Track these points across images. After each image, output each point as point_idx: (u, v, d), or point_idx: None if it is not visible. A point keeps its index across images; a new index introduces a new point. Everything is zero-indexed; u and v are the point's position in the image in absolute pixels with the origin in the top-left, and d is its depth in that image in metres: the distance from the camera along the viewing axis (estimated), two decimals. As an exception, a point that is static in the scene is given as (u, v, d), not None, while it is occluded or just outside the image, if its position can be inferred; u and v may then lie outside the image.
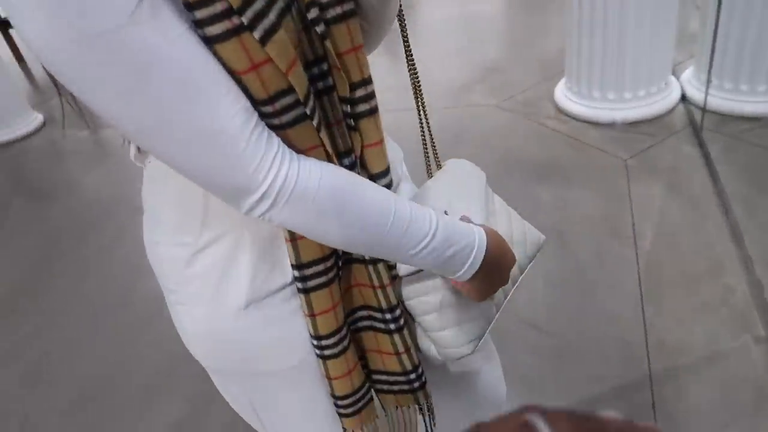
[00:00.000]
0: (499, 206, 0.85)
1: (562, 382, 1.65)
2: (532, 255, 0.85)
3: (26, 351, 2.15)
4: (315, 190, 0.55)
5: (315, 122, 0.57)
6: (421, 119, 0.85)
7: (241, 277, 0.67)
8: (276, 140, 0.54)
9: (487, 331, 0.79)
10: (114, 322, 2.18)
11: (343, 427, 0.80)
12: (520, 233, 0.84)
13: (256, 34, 0.49)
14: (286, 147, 0.55)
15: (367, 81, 0.63)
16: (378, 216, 0.59)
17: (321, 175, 0.56)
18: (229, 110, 0.50)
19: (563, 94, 3.01)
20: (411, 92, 0.84)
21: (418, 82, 0.82)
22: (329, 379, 0.74)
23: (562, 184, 2.47)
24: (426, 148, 0.87)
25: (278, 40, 0.51)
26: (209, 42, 0.49)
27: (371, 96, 0.64)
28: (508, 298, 0.83)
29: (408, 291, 0.75)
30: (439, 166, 0.89)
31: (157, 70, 0.46)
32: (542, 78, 3.38)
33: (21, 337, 2.22)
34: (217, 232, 0.65)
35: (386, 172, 0.69)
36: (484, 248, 0.66)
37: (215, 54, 0.49)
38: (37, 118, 4.22)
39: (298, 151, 0.57)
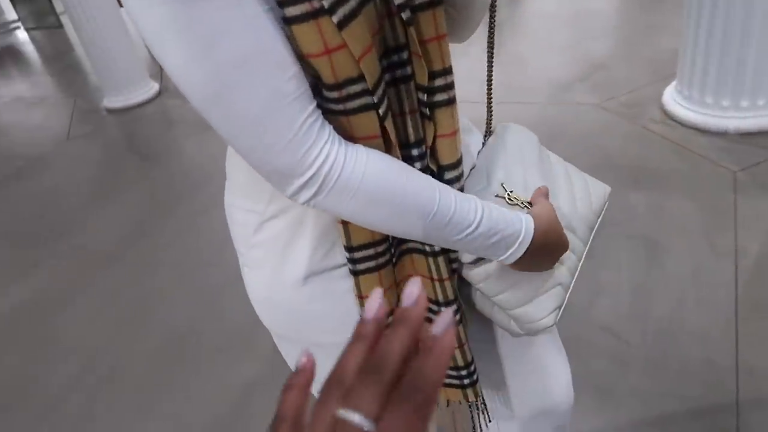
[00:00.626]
0: (556, 163, 0.83)
1: (638, 396, 1.58)
2: (598, 210, 0.82)
3: (123, 297, 2.34)
4: (359, 181, 0.56)
5: (381, 111, 0.57)
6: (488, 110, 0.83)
7: (303, 251, 0.69)
8: (328, 129, 0.55)
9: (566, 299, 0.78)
10: (202, 279, 2.33)
11: None
12: (582, 188, 0.81)
13: (335, 18, 0.50)
14: (336, 136, 0.56)
15: (448, 71, 0.63)
16: (421, 207, 0.59)
17: (366, 166, 0.56)
18: (288, 95, 0.52)
19: (672, 98, 2.83)
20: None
21: (492, 70, 0.80)
22: None
23: (661, 191, 2.34)
24: (486, 137, 0.85)
25: (356, 26, 0.52)
26: (287, 22, 0.50)
27: (450, 86, 0.64)
28: (582, 261, 0.80)
29: (475, 274, 0.74)
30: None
31: (227, 44, 0.49)
32: (651, 79, 3.20)
33: (121, 284, 2.42)
34: (282, 206, 0.68)
35: (457, 164, 0.68)
36: (531, 236, 0.66)
37: (291, 35, 0.51)
38: (153, 87, 4.53)
39: (354, 140, 0.58)
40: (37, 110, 4.55)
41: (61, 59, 6.01)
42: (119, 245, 2.67)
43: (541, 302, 0.75)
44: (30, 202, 3.23)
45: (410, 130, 0.63)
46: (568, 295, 0.78)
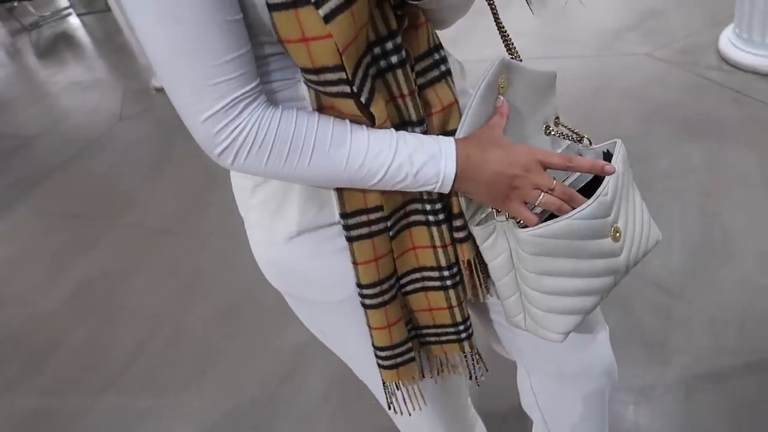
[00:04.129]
0: (635, 198, 0.81)
1: (689, 352, 1.55)
2: (646, 251, 0.82)
3: (183, 267, 2.45)
4: (270, 147, 0.59)
5: (364, 98, 0.60)
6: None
7: (293, 210, 0.71)
8: (253, 105, 0.58)
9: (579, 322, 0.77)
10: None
11: (381, 379, 0.82)
12: (643, 227, 0.81)
13: (321, 12, 0.52)
14: (253, 110, 0.58)
15: (427, 53, 0.67)
16: (336, 153, 0.62)
17: (278, 130, 0.59)
18: (216, 76, 0.55)
19: (730, 42, 2.67)
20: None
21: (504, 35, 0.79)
22: (369, 327, 0.77)
23: (717, 142, 2.23)
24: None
25: (343, 19, 0.53)
26: (270, 9, 0.53)
27: (432, 66, 0.67)
28: (611, 292, 0.79)
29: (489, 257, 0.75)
30: None
31: (177, 11, 0.51)
32: (706, 23, 3.02)
33: (180, 256, 2.53)
34: None
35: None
36: (454, 155, 0.65)
37: (272, 19, 0.54)
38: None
39: (342, 115, 0.62)
40: (91, 93, 4.72)
41: (110, 42, 6.18)
42: (174, 219, 2.78)
43: (566, 320, 0.75)
44: (90, 182, 3.38)
45: (411, 110, 0.66)
46: (581, 321, 0.78)
